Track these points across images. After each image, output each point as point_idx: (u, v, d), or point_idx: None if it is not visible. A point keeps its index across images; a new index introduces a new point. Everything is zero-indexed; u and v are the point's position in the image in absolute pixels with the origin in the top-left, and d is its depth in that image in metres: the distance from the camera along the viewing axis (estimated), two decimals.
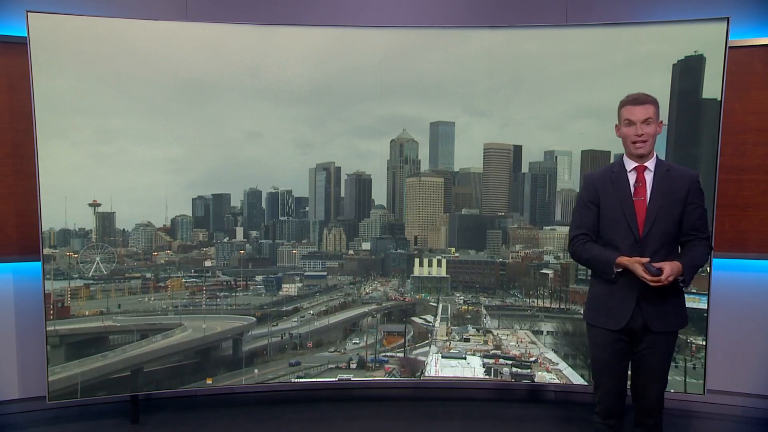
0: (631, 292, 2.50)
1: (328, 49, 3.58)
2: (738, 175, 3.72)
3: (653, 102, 2.52)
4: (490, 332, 3.88)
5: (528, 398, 4.05)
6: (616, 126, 2.57)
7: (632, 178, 2.55)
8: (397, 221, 3.92)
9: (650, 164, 2.54)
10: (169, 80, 3.47)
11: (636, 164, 2.54)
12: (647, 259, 2.39)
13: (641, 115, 2.48)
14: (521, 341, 3.86)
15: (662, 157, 3.48)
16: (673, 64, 3.47)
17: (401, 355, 3.87)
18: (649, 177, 2.53)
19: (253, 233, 3.74)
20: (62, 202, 3.38)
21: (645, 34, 3.49)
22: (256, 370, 3.76)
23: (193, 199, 3.71)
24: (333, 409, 3.86)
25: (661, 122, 2.56)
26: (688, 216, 2.51)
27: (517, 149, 3.74)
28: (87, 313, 3.55)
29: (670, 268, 2.35)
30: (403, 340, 3.88)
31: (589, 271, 2.75)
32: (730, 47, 3.36)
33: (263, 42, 3.50)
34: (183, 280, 3.73)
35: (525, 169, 3.79)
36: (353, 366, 3.86)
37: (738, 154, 3.71)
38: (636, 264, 2.40)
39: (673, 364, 3.60)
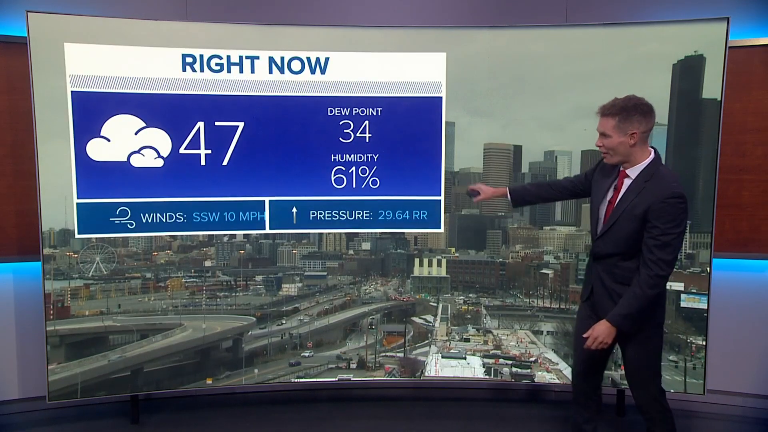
0: (590, 271, 2.72)
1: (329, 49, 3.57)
2: (738, 175, 3.73)
3: (615, 114, 2.47)
4: (490, 332, 3.89)
5: (528, 398, 4.05)
6: None
7: (616, 180, 2.60)
8: None
9: (631, 172, 2.54)
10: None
11: (622, 168, 2.58)
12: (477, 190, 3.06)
13: (598, 127, 2.54)
14: (521, 341, 3.87)
15: (661, 157, 3.53)
16: (673, 64, 3.47)
17: (401, 355, 3.87)
18: (626, 184, 2.55)
19: (253, 233, 3.74)
20: (62, 202, 3.38)
21: (645, 34, 3.49)
22: (256, 370, 3.76)
23: None
24: (333, 409, 3.86)
25: (633, 134, 2.47)
26: (645, 234, 2.45)
27: (517, 149, 3.74)
28: (87, 313, 3.55)
29: (594, 334, 2.51)
30: (403, 340, 3.88)
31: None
32: (730, 47, 3.36)
33: (264, 42, 3.50)
34: (183, 280, 3.73)
35: (525, 169, 3.79)
36: (353, 366, 3.86)
37: (738, 154, 3.71)
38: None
39: (673, 363, 3.63)
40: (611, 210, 2.56)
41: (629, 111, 2.47)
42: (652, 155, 2.53)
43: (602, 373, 2.83)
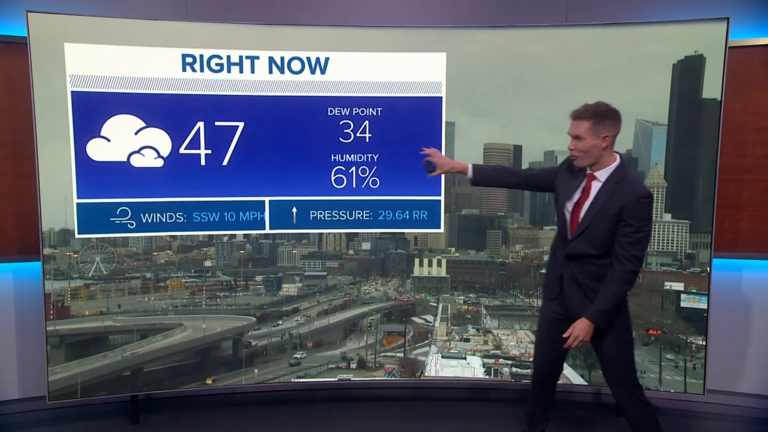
0: (558, 269, 2.74)
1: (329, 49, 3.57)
2: (738, 175, 3.72)
3: (589, 117, 2.54)
4: (490, 332, 3.89)
5: (528, 398, 4.04)
6: None
7: (583, 183, 2.66)
8: None
9: (601, 174, 2.61)
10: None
11: (590, 172, 2.65)
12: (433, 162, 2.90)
13: (571, 131, 2.59)
14: (521, 341, 3.86)
15: (661, 158, 3.54)
16: (673, 64, 3.47)
17: (401, 355, 3.87)
18: (596, 187, 2.62)
19: (253, 233, 3.74)
20: (62, 202, 3.38)
21: (645, 34, 3.49)
22: (256, 370, 3.76)
23: None
24: (333, 409, 3.86)
25: (605, 137, 2.55)
26: (618, 232, 2.55)
27: (517, 149, 3.74)
28: (87, 313, 3.55)
29: (576, 332, 2.59)
30: (403, 340, 3.88)
31: None
32: (730, 47, 3.36)
33: (264, 42, 3.50)
34: (183, 280, 3.73)
35: None
36: (353, 366, 3.86)
37: (738, 154, 3.71)
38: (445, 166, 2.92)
39: (673, 363, 3.63)
40: (580, 211, 2.64)
41: (602, 115, 2.55)
42: (619, 159, 2.63)
43: (562, 369, 2.98)
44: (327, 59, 3.54)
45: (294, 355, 3.81)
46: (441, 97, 3.59)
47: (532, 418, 3.06)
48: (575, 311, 2.67)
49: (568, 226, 2.68)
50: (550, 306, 2.82)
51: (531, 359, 3.77)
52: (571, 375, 3.70)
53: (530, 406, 3.06)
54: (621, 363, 2.71)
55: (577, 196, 2.66)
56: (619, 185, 2.55)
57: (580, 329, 2.59)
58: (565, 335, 2.62)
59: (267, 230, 3.64)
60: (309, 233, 3.79)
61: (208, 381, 3.71)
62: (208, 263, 3.76)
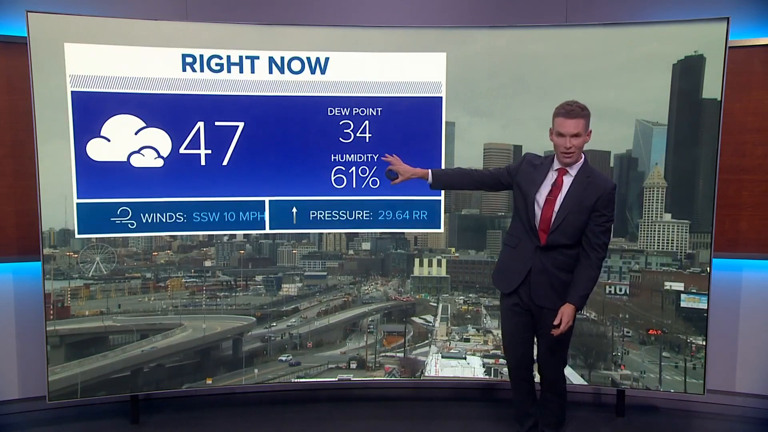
0: (526, 261, 2.81)
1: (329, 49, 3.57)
2: (738, 175, 3.73)
3: (584, 115, 2.67)
4: (490, 332, 3.89)
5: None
6: (549, 130, 2.75)
7: (552, 177, 2.76)
8: None
9: (573, 169, 2.75)
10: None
11: (560, 167, 2.75)
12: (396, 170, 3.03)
13: (571, 129, 2.65)
14: None
15: (661, 158, 3.54)
16: (673, 64, 3.47)
17: (401, 355, 3.87)
18: (567, 181, 2.73)
19: (253, 233, 3.74)
20: (62, 202, 3.38)
21: (645, 34, 3.49)
22: (256, 370, 3.76)
23: None
24: (333, 409, 3.86)
25: (590, 132, 2.70)
26: (590, 222, 2.72)
27: (517, 149, 3.74)
28: (87, 313, 3.55)
29: (566, 318, 2.70)
30: (403, 340, 3.88)
31: None
32: (730, 47, 3.36)
33: (264, 42, 3.50)
34: (183, 280, 3.73)
35: None
36: (353, 366, 3.86)
37: (738, 154, 3.71)
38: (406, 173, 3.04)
39: (673, 363, 3.64)
40: (553, 204, 2.74)
41: (589, 113, 2.70)
42: (583, 155, 2.77)
43: (534, 359, 3.04)
44: (327, 59, 3.54)
45: (279, 357, 3.80)
46: (441, 97, 3.60)
47: (521, 415, 3.12)
48: (541, 301, 2.81)
49: (537, 219, 2.76)
50: (510, 300, 2.90)
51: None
52: (571, 375, 3.69)
53: (517, 404, 3.12)
54: (568, 341, 2.92)
55: (547, 190, 2.76)
56: (590, 179, 2.71)
57: (569, 315, 2.71)
58: (555, 323, 2.71)
59: (267, 230, 3.64)
60: (309, 233, 3.79)
61: (208, 381, 3.71)
62: (208, 263, 3.76)
